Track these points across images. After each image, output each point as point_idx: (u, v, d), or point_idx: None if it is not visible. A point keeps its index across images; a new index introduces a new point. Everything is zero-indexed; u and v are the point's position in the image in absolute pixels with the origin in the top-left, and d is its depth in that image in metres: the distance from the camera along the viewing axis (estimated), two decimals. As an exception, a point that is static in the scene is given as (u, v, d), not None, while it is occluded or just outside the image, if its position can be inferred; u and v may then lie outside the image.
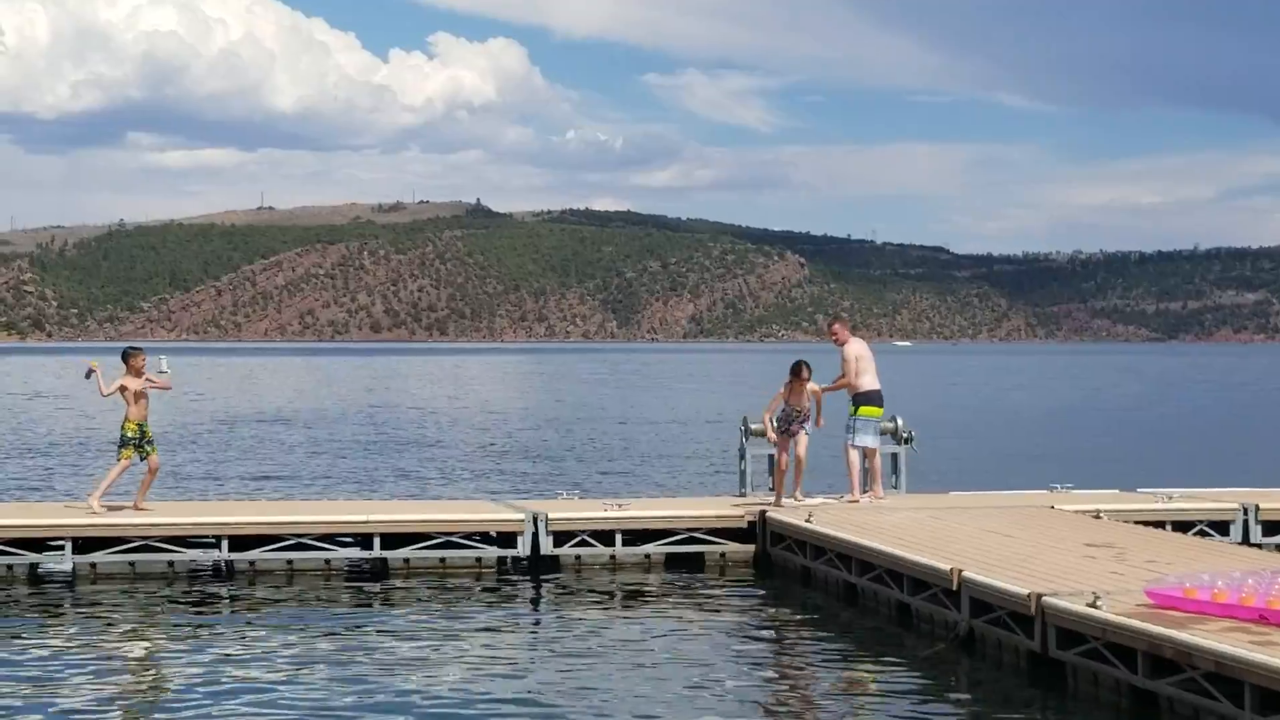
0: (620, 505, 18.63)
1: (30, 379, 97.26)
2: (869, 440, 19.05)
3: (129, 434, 17.92)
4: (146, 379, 18.28)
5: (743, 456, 19.86)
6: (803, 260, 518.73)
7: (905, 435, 19.72)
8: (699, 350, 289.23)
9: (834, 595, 16.12)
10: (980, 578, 13.14)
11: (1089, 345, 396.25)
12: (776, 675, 12.58)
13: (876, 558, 15.16)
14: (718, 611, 15.46)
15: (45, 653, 13.20)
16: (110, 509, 17.62)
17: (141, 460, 17.94)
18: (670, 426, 46.91)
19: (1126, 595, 11.80)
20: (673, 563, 17.95)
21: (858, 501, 18.79)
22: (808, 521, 16.98)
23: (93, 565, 16.93)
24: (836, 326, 19.77)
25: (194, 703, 11.26)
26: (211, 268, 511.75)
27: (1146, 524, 17.30)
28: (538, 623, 15.29)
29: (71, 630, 14.35)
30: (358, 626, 14.50)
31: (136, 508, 17.75)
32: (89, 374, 18.07)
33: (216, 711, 11.04)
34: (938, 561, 13.97)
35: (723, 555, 18.10)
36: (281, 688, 11.81)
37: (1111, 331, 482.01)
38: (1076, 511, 17.95)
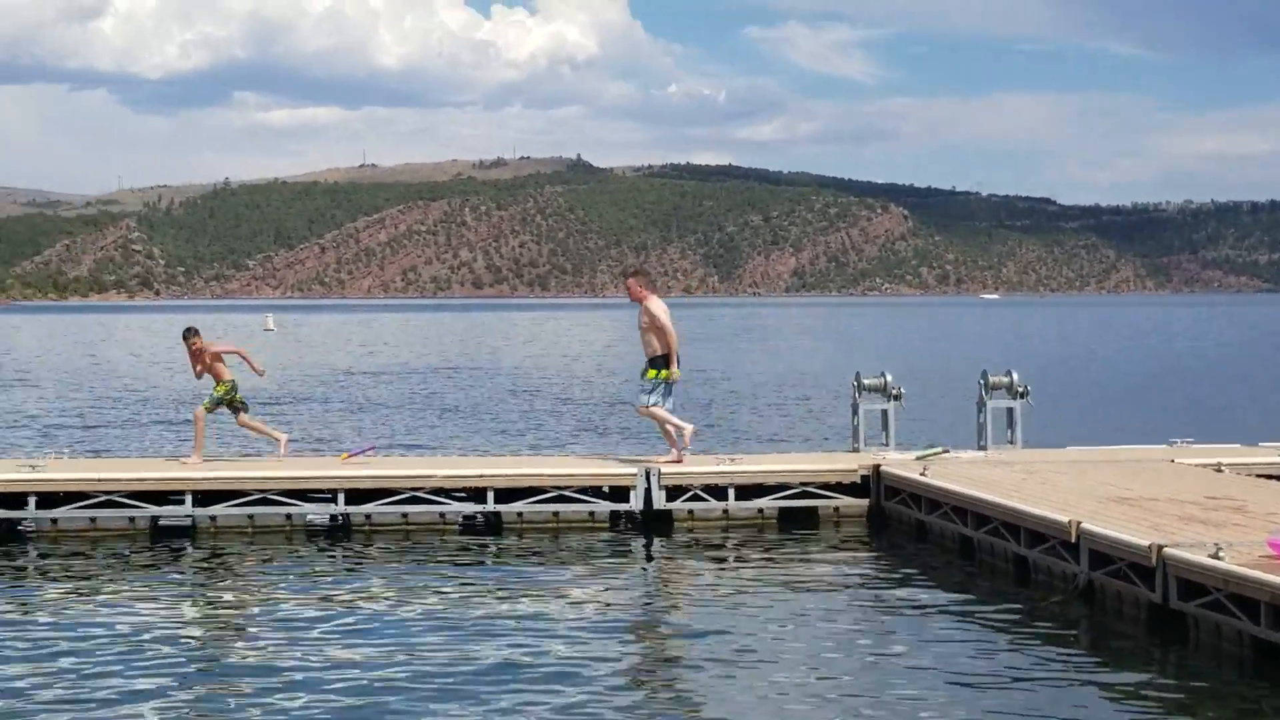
0: (732, 460, 18.59)
1: (149, 337, 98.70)
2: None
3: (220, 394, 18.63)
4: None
5: (855, 411, 19.74)
6: (906, 213, 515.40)
7: (1020, 390, 19.50)
8: (801, 304, 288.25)
9: (950, 549, 16.02)
10: (1099, 529, 12.99)
11: (1200, 296, 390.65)
12: (893, 629, 12.51)
13: (993, 510, 15.03)
14: (832, 566, 15.40)
15: (163, 604, 13.39)
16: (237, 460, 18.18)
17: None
18: (777, 382, 46.79)
19: (1249, 547, 11.63)
20: (786, 517, 17.90)
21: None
22: (923, 475, 16.88)
23: (212, 518, 17.15)
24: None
25: (306, 655, 11.36)
26: (315, 225, 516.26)
27: (1269, 478, 17.00)
28: (650, 577, 15.30)
29: (190, 582, 14.56)
30: (472, 581, 14.58)
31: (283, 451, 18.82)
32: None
33: (332, 663, 11.14)
34: (1056, 513, 13.83)
35: (836, 510, 18.02)
36: (394, 641, 11.90)
37: (1223, 282, 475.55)
38: (1197, 465, 17.70)
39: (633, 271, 18.75)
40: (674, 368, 18.06)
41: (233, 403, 18.73)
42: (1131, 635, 12.17)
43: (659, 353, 18.02)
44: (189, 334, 19.01)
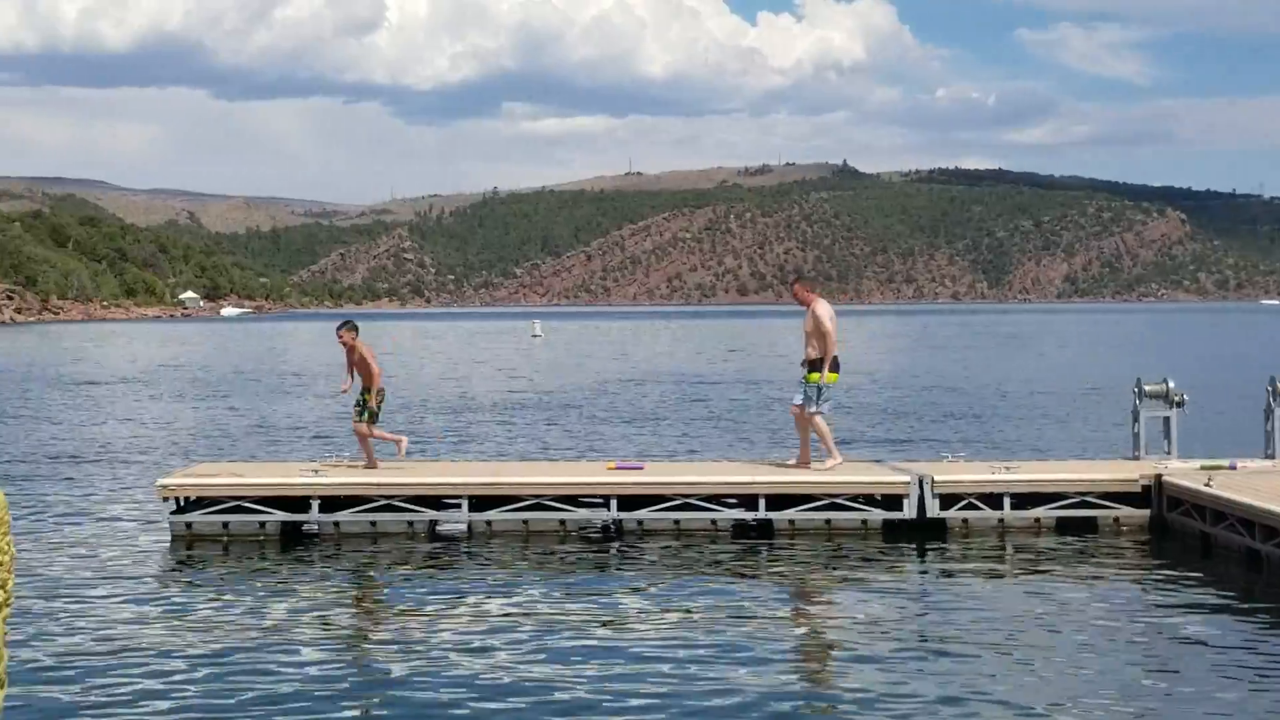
0: (1008, 468, 18.24)
1: (420, 343, 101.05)
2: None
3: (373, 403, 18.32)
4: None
5: (1136, 419, 19.21)
6: (1183, 216, 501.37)
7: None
8: (1074, 310, 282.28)
9: (1236, 562, 15.48)
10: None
11: None
12: (1177, 645, 12.09)
13: (1284, 524, 14.49)
14: (1112, 578, 14.99)
15: (440, 604, 13.63)
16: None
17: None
18: (1051, 389, 45.84)
19: None
20: (1063, 527, 17.51)
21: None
22: (1207, 485, 16.35)
23: (488, 523, 17.42)
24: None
25: (576, 660, 11.44)
26: (582, 233, 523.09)
27: None
28: (923, 586, 15.06)
29: (465, 584, 14.79)
30: (745, 587, 14.55)
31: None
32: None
33: (603, 669, 11.20)
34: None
35: (1116, 520, 17.57)
36: (663, 644, 11.93)
37: None
38: None
39: (796, 278, 18.81)
40: (826, 371, 18.02)
41: (375, 413, 18.27)
42: None
43: (818, 355, 17.95)
44: (344, 327, 18.44)
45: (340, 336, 18.33)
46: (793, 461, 18.65)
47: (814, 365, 18.09)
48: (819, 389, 18.11)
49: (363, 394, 18.30)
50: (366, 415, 18.22)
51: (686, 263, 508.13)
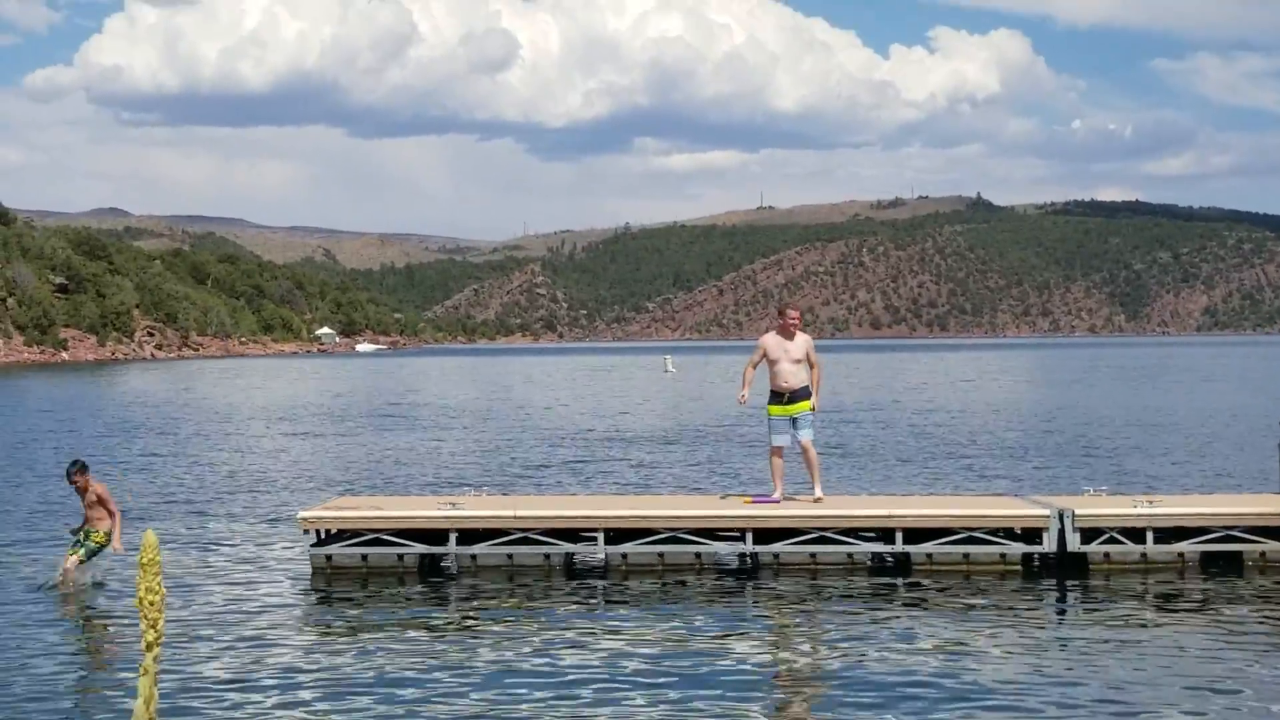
0: (1151, 501, 17.94)
1: (555, 378, 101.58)
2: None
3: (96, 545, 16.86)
4: None
5: (1282, 452, 18.84)
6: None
7: None
8: (1214, 343, 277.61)
9: (1390, 600, 15.10)
10: None
11: None
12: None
13: None
14: (1259, 615, 14.67)
15: (577, 637, 13.64)
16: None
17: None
18: (1195, 422, 45.08)
19: None
20: (1208, 562, 17.19)
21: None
22: (1358, 521, 15.98)
23: (624, 555, 17.44)
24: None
25: (701, 694, 11.40)
26: (714, 268, 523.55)
27: None
28: (1065, 622, 14.85)
29: (600, 617, 14.81)
30: (881, 621, 14.44)
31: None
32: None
33: (731, 705, 11.15)
34: None
35: (1263, 554, 17.20)
36: (793, 679, 11.85)
37: None
38: None
39: (790, 306, 18.58)
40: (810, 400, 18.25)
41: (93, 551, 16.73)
42: None
43: (806, 384, 18.14)
44: (73, 470, 16.88)
45: (73, 480, 16.86)
46: (778, 497, 18.33)
47: (802, 394, 18.12)
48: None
49: (85, 530, 16.78)
50: (83, 551, 16.63)
51: (819, 296, 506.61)
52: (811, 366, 18.30)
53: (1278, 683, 11.77)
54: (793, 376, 18.15)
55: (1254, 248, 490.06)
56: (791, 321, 18.29)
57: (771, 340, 18.31)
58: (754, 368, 18.42)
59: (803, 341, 18.27)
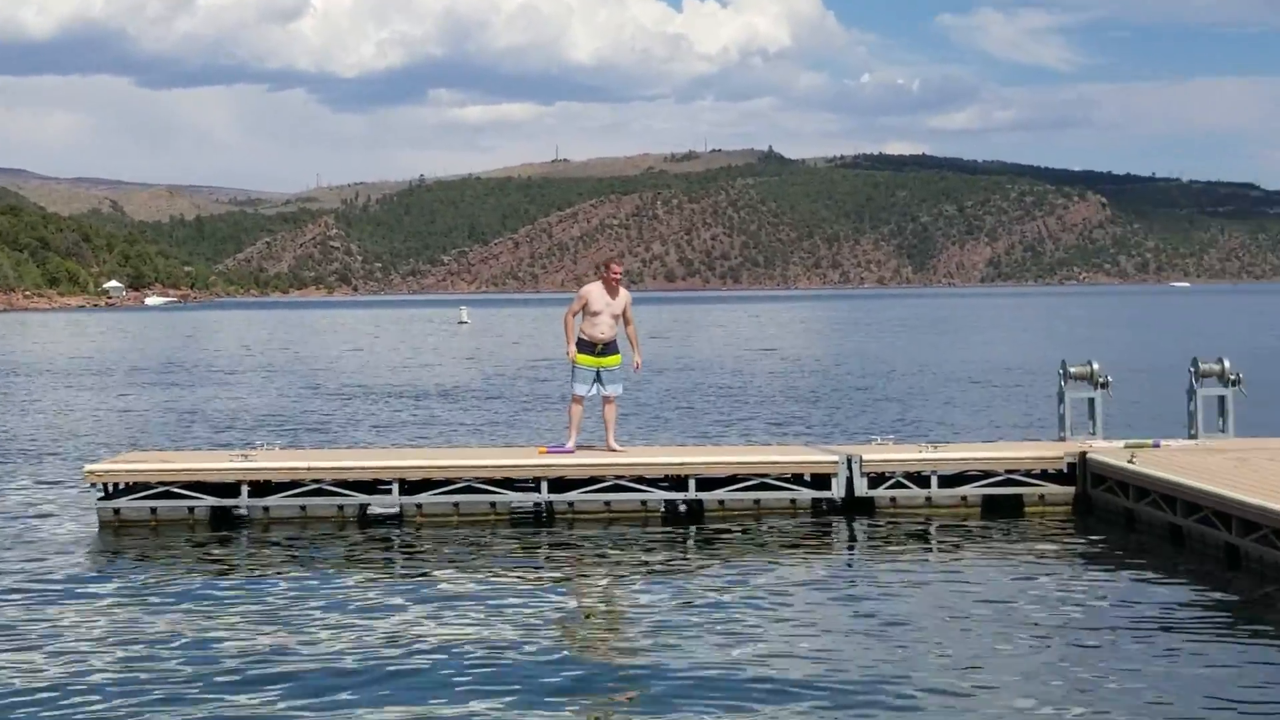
0: (935, 448, 18.41)
1: (346, 331, 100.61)
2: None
3: None
4: None
5: (1061, 399, 19.44)
6: (1104, 200, 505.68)
7: (1233, 377, 19.05)
8: (997, 294, 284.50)
9: (1158, 537, 15.71)
10: (1318, 518, 12.68)
11: None
12: (1100, 617, 12.27)
13: (1204, 498, 14.71)
14: (1038, 553, 15.19)
15: (370, 587, 13.64)
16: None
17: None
18: (977, 371, 46.25)
19: None
20: (990, 505, 17.70)
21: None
22: (1130, 463, 16.58)
23: (418, 506, 17.42)
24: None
25: (499, 641, 11.49)
26: (509, 221, 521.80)
27: None
28: (852, 564, 15.21)
29: (394, 567, 14.81)
30: (675, 566, 14.65)
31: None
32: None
33: (534, 647, 11.25)
34: (1270, 502, 13.50)
35: (1041, 497, 17.77)
36: (592, 623, 12.01)
37: None
38: None
39: (614, 260, 18.80)
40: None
41: None
42: (1353, 625, 11.86)
43: (612, 337, 18.26)
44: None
45: None
46: (571, 446, 18.34)
47: (613, 348, 18.26)
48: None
49: None
50: None
51: (614, 249, 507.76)
52: (628, 323, 18.41)
53: (1052, 615, 12.19)
54: (610, 329, 18.26)
55: (1035, 200, 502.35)
56: (615, 276, 18.39)
57: (596, 291, 18.32)
58: (575, 316, 18.43)
59: (624, 297, 18.35)
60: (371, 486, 17.55)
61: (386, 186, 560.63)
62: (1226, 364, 19.03)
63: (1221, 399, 19.32)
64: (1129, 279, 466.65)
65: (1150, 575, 14.01)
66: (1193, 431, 19.12)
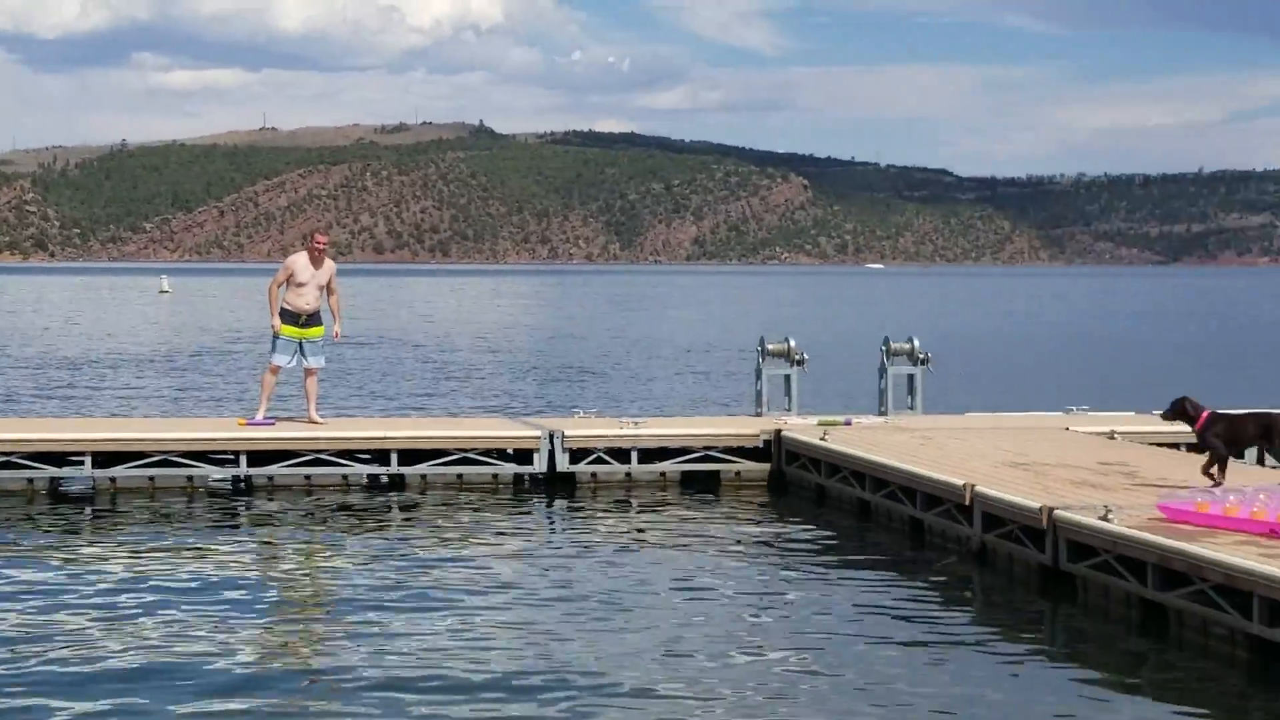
0: (636, 424, 18.68)
1: (43, 299, 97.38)
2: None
3: None
4: None
5: (759, 376, 19.92)
6: (806, 182, 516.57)
7: (921, 356, 19.75)
8: (702, 272, 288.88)
9: (848, 512, 16.26)
10: (992, 492, 13.28)
11: (1092, 268, 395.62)
12: (789, 590, 12.68)
13: (890, 475, 15.27)
14: (731, 528, 15.55)
15: (57, 564, 13.30)
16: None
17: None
18: (681, 347, 46.98)
19: (1138, 510, 11.94)
20: (688, 481, 18.06)
21: None
22: (823, 440, 17.08)
23: (112, 480, 17.02)
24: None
25: (212, 612, 11.36)
26: (214, 189, 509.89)
27: (1161, 445, 17.31)
28: (550, 539, 15.36)
29: (87, 543, 14.46)
30: (374, 541, 14.58)
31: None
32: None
33: (239, 622, 11.16)
34: (951, 477, 14.08)
35: (738, 473, 18.20)
36: (293, 603, 11.95)
37: (1115, 255, 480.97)
38: (1091, 433, 18.01)
39: (319, 231, 19.02)
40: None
41: None
42: (1022, 596, 12.52)
43: (317, 308, 18.29)
44: None
45: None
46: (262, 417, 18.18)
47: (317, 320, 18.26)
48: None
49: None
50: None
51: (322, 220, 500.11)
52: (331, 294, 18.33)
53: (741, 591, 12.53)
54: (315, 300, 18.16)
55: (740, 181, 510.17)
56: (319, 246, 18.24)
57: (302, 262, 18.15)
58: (280, 286, 18.20)
59: (329, 268, 18.25)
60: (63, 459, 17.08)
61: (87, 150, 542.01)
62: (916, 343, 19.73)
63: (911, 377, 20.03)
64: (829, 260, 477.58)
65: (837, 550, 14.50)
66: (883, 409, 19.78)
